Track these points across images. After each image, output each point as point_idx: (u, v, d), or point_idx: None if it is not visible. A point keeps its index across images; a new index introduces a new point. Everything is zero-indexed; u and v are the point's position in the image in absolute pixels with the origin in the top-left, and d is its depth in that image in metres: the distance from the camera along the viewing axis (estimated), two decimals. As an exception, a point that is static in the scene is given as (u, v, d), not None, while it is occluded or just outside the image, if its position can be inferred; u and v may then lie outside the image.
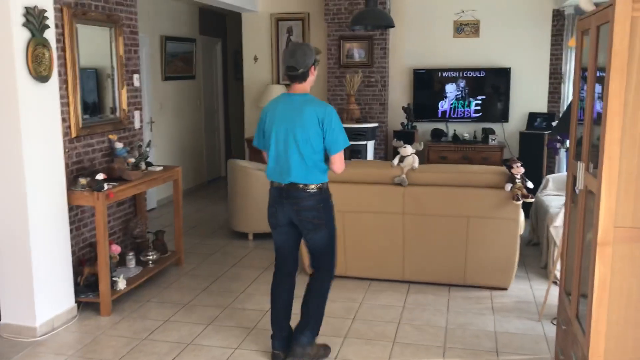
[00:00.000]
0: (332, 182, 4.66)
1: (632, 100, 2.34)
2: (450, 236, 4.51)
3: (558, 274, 4.44)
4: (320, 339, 3.78)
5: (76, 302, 4.18)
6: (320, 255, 3.44)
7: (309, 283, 3.52)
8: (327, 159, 3.31)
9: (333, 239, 3.43)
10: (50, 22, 3.85)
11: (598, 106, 2.71)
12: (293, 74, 3.25)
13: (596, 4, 2.88)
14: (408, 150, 4.58)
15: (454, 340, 3.77)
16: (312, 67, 3.27)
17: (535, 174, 6.31)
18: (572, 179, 3.11)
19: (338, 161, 3.29)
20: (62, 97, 4.19)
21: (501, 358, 3.53)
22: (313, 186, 3.28)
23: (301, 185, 3.27)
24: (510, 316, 4.12)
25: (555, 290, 4.32)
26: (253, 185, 5.77)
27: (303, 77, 3.26)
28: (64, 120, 4.23)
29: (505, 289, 4.58)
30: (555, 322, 3.91)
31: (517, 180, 4.33)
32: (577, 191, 2.99)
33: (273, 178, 3.36)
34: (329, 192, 3.40)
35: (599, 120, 2.58)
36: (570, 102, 3.55)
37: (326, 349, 3.57)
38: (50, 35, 3.86)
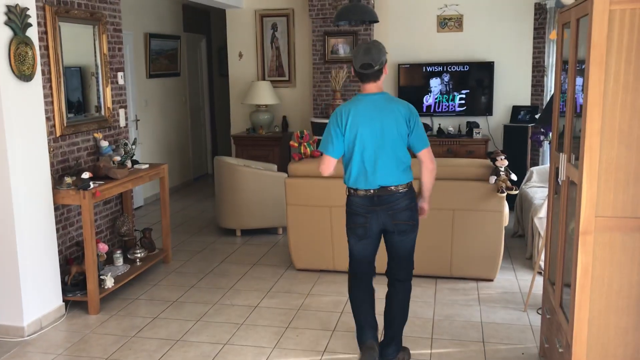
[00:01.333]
0: (321, 177, 4.70)
1: (611, 91, 2.39)
2: (436, 229, 4.55)
3: (542, 265, 4.50)
4: (309, 334, 3.82)
5: (64, 301, 4.17)
6: (406, 259, 3.31)
7: (393, 295, 3.36)
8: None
9: (415, 241, 3.33)
10: (33, 20, 3.83)
11: (579, 98, 2.75)
12: (369, 72, 3.10)
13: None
14: (393, 144, 4.60)
15: (441, 331, 3.81)
16: (385, 65, 3.17)
17: (520, 167, 6.38)
18: (555, 171, 3.16)
19: (428, 156, 3.21)
20: (46, 96, 4.17)
21: (488, 348, 3.58)
22: (403, 186, 3.16)
23: (392, 188, 3.14)
24: (496, 307, 4.17)
25: (540, 281, 4.37)
26: (240, 182, 5.78)
27: (378, 75, 3.14)
28: (48, 119, 4.21)
29: (491, 280, 4.63)
30: (540, 312, 3.97)
31: (502, 173, 4.39)
32: (559, 182, 3.04)
33: (358, 185, 3.17)
34: (414, 191, 3.28)
35: (580, 112, 2.62)
36: (552, 95, 3.60)
37: (406, 351, 3.47)
38: (32, 33, 3.84)
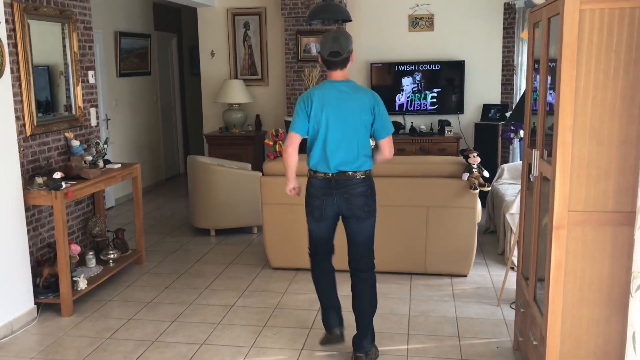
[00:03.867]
0: (296, 175, 4.70)
1: (582, 89, 2.45)
2: (411, 226, 4.60)
3: (515, 261, 4.59)
4: (287, 332, 3.82)
5: (35, 303, 4.09)
6: (363, 246, 3.38)
7: (357, 287, 3.42)
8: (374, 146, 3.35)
9: (374, 228, 3.40)
10: (0, 17, 3.75)
11: (550, 96, 2.81)
12: (336, 60, 3.20)
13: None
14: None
15: (417, 327, 3.85)
16: (352, 53, 3.26)
17: (491, 164, 6.48)
18: (527, 167, 3.22)
19: (388, 145, 3.31)
20: (15, 94, 4.09)
21: (463, 342, 3.63)
22: (361, 172, 3.26)
23: (350, 173, 3.23)
24: (471, 302, 4.23)
25: (512, 276, 4.45)
26: (214, 182, 5.74)
27: (344, 63, 3.24)
28: (17, 118, 4.13)
29: (464, 275, 4.70)
30: (513, 306, 4.05)
31: (474, 170, 4.45)
32: (531, 178, 3.11)
33: (318, 168, 3.28)
34: (373, 179, 3.37)
35: (552, 109, 2.68)
36: (524, 92, 3.67)
37: (376, 348, 3.51)
38: (0, 31, 3.76)
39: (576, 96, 2.45)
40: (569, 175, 2.51)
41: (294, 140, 3.29)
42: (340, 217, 3.38)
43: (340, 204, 3.28)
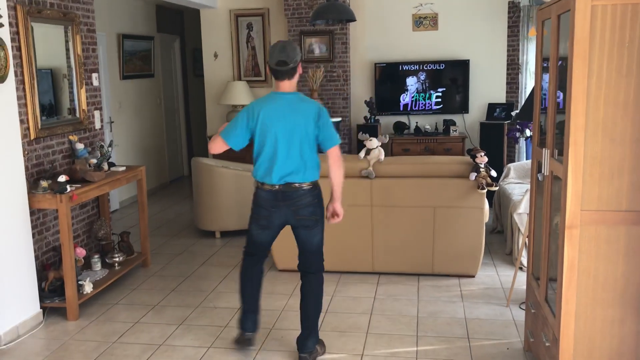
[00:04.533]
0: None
1: (595, 86, 2.41)
2: (418, 226, 4.56)
3: (523, 261, 4.55)
4: (294, 335, 3.78)
5: (41, 307, 4.06)
6: (314, 253, 3.41)
7: (306, 287, 3.45)
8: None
9: (323, 234, 3.43)
10: (4, 20, 3.73)
11: (560, 94, 2.78)
12: (283, 69, 3.19)
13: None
14: (374, 142, 4.61)
15: (426, 328, 3.82)
16: (300, 64, 3.26)
17: (496, 163, 6.43)
18: (537, 166, 3.18)
19: (335, 155, 3.29)
20: (19, 98, 4.07)
21: (473, 344, 3.59)
22: (308, 183, 3.27)
23: (297, 185, 3.24)
24: (479, 303, 4.20)
25: (521, 276, 4.42)
26: (219, 184, 5.72)
27: (292, 73, 3.23)
28: (22, 121, 4.10)
29: (472, 276, 4.66)
30: (523, 307, 4.01)
31: (482, 169, 4.41)
32: (539, 177, 3.07)
33: (265, 180, 3.26)
34: (321, 190, 3.38)
35: (562, 108, 2.64)
36: (532, 91, 3.63)
37: (323, 344, 3.55)
38: (4, 34, 3.74)
39: (588, 94, 2.41)
40: (581, 174, 2.47)
41: (220, 147, 3.31)
42: (290, 226, 3.39)
43: (288, 215, 3.30)
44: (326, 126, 3.24)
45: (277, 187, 3.24)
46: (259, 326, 3.59)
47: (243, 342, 3.54)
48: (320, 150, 3.32)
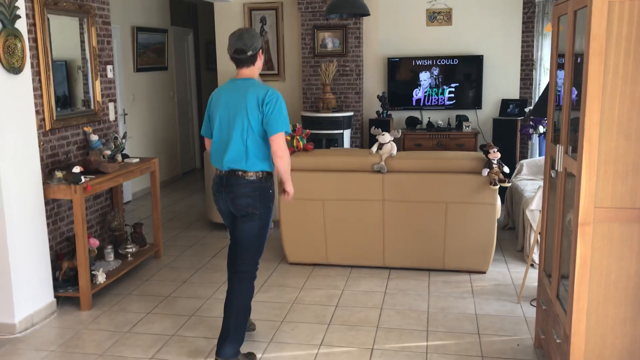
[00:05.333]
0: (313, 170, 4.69)
1: (611, 83, 2.40)
2: (429, 222, 4.56)
3: (535, 257, 4.54)
4: (304, 327, 3.80)
5: (55, 297, 4.11)
6: (243, 248, 3.26)
7: (229, 286, 3.32)
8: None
9: (262, 234, 3.27)
10: (21, 12, 3.76)
11: (575, 91, 2.76)
12: (241, 57, 3.17)
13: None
14: (386, 137, 4.61)
15: (436, 324, 3.82)
16: (260, 51, 3.24)
17: (509, 160, 6.42)
18: (550, 162, 3.17)
19: (276, 144, 3.13)
20: (35, 89, 4.11)
21: (483, 340, 3.59)
22: (252, 173, 3.17)
23: (240, 173, 3.18)
24: (490, 299, 4.19)
25: (532, 273, 4.41)
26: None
27: (251, 61, 3.20)
28: (37, 112, 4.15)
29: (483, 272, 4.66)
30: (534, 304, 4.00)
31: (494, 165, 4.40)
32: (552, 174, 3.06)
33: (215, 164, 3.29)
34: (270, 183, 3.27)
35: (577, 104, 2.63)
36: (547, 87, 3.61)
37: (252, 357, 3.37)
38: (21, 25, 3.77)
39: (604, 90, 2.40)
40: (595, 171, 2.46)
41: (206, 143, 3.41)
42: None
43: (228, 202, 3.24)
44: (273, 113, 3.11)
45: (223, 173, 3.23)
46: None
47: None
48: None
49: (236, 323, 3.26)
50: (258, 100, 3.13)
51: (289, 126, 3.22)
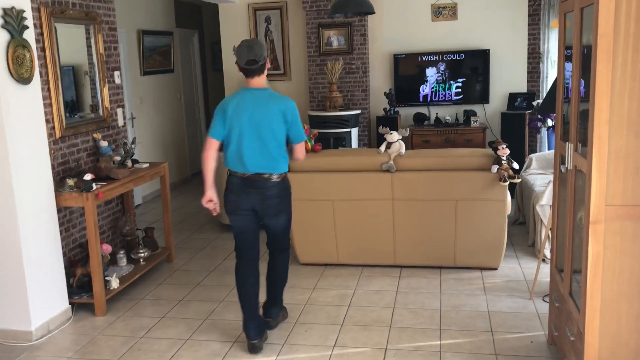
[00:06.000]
0: (322, 171, 4.71)
1: (619, 80, 2.39)
2: (440, 219, 4.56)
3: (546, 252, 4.53)
4: (318, 329, 3.83)
5: (70, 303, 4.15)
6: (282, 235, 3.71)
7: (272, 262, 3.79)
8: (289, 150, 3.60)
9: (290, 219, 3.72)
10: (29, 22, 3.78)
11: (582, 82, 2.76)
12: (253, 67, 3.40)
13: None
14: (394, 136, 4.61)
15: (449, 322, 3.83)
16: (267, 60, 3.47)
17: (518, 154, 6.40)
18: (560, 159, 3.16)
19: (300, 149, 3.58)
20: (44, 97, 4.14)
21: (496, 337, 3.60)
22: (277, 176, 3.49)
23: (267, 175, 3.45)
24: (502, 295, 4.19)
25: (544, 268, 4.40)
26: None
27: (261, 70, 3.44)
28: (47, 121, 4.18)
29: (495, 268, 4.65)
30: (546, 300, 4.00)
31: (503, 162, 4.39)
32: (562, 170, 3.05)
33: (235, 168, 3.49)
34: (288, 180, 3.63)
35: (585, 101, 2.62)
36: (554, 83, 3.60)
37: (285, 311, 3.96)
38: (29, 35, 3.80)
39: (612, 88, 2.39)
40: (605, 169, 2.45)
41: (211, 144, 3.50)
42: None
43: (255, 201, 3.50)
44: (295, 123, 3.47)
45: (247, 175, 3.46)
46: (264, 332, 3.61)
47: (252, 348, 3.54)
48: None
49: (281, 288, 3.84)
50: (281, 112, 3.42)
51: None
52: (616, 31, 2.36)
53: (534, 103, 6.86)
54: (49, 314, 3.94)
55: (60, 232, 4.24)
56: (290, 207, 3.68)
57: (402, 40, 7.38)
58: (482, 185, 4.45)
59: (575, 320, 2.78)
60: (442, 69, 7.22)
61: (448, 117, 7.23)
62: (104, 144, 4.71)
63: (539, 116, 6.39)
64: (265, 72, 3.48)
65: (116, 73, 5.12)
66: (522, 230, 5.62)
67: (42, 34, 4.13)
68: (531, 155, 5.98)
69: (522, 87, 7.20)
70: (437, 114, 7.33)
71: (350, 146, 7.00)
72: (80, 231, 4.55)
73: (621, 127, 2.42)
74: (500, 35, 7.15)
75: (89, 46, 4.77)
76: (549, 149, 6.54)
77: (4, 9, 3.57)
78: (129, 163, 4.74)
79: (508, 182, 4.37)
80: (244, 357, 3.51)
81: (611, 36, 2.36)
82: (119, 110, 5.15)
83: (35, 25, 4.04)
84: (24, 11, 3.73)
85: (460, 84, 7.22)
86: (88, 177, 4.09)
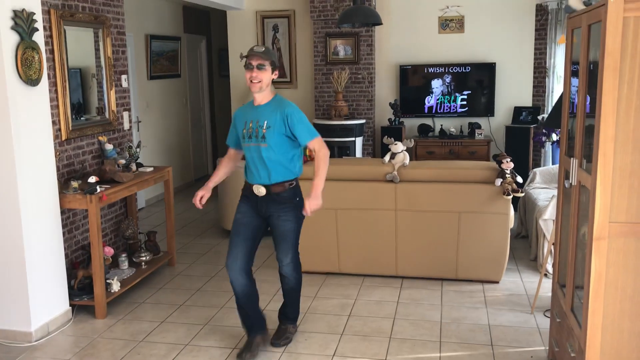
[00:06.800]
0: (326, 179, 4.69)
1: (625, 98, 2.40)
2: (442, 231, 4.56)
3: (549, 267, 4.52)
4: (318, 337, 3.82)
5: (70, 305, 4.16)
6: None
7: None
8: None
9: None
10: (39, 24, 3.81)
11: (588, 98, 2.76)
12: None
13: (585, 3, 2.94)
14: (399, 147, 4.62)
15: (449, 334, 3.82)
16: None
17: (522, 168, 6.40)
18: (564, 174, 3.17)
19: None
20: (51, 99, 4.16)
21: (496, 351, 3.59)
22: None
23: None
24: (503, 309, 4.18)
25: (546, 283, 4.39)
26: (243, 183, 5.75)
27: None
28: (54, 123, 4.20)
29: (496, 282, 4.65)
30: (548, 314, 3.99)
31: (507, 175, 4.40)
32: (566, 185, 3.05)
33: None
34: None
35: (591, 116, 2.63)
36: (560, 98, 3.61)
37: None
38: (39, 38, 3.82)
39: (618, 105, 2.40)
40: (610, 186, 2.45)
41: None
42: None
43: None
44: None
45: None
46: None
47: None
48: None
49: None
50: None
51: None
52: (623, 48, 2.37)
53: (539, 117, 6.86)
54: (49, 315, 3.94)
55: (63, 233, 4.25)
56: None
57: (408, 51, 7.41)
58: (485, 198, 4.45)
59: (577, 337, 2.77)
60: (448, 81, 7.24)
61: (453, 129, 7.24)
62: (109, 146, 4.72)
63: (544, 130, 6.40)
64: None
65: (123, 77, 5.14)
66: (524, 244, 5.61)
67: (51, 36, 4.16)
68: (535, 170, 5.98)
69: (527, 101, 7.21)
70: (442, 125, 7.34)
71: (355, 155, 7.01)
72: (82, 233, 4.56)
73: (626, 144, 2.43)
74: (506, 49, 7.17)
75: (97, 49, 4.80)
76: (553, 163, 6.54)
77: (15, 11, 3.60)
78: (134, 166, 4.76)
79: (511, 196, 4.37)
80: (243, 364, 3.51)
81: (618, 53, 2.37)
82: (125, 114, 5.17)
83: (45, 27, 4.07)
84: (34, 13, 3.75)
85: (465, 97, 7.24)
86: (92, 179, 4.10)
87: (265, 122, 3.39)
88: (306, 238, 4.81)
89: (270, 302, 4.37)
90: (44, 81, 3.90)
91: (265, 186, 3.44)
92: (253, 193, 3.49)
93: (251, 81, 3.36)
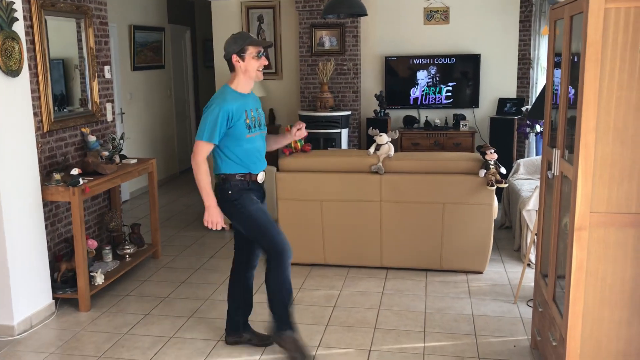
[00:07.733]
0: (311, 171, 4.71)
1: (606, 89, 2.42)
2: (427, 222, 4.58)
3: (532, 257, 4.56)
4: (303, 329, 3.82)
5: (54, 298, 4.13)
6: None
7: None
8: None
9: (247, 225, 3.43)
10: (19, 14, 3.76)
11: (572, 89, 2.78)
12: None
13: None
14: (384, 138, 4.62)
15: (433, 324, 3.85)
16: (233, 56, 3.24)
17: (506, 159, 6.44)
18: (547, 165, 3.19)
19: (194, 148, 3.36)
20: (32, 91, 4.10)
21: (480, 341, 3.62)
22: (216, 176, 3.43)
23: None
24: (487, 299, 4.22)
25: (529, 273, 4.43)
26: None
27: (230, 67, 3.31)
28: (35, 114, 4.14)
29: (480, 272, 4.68)
30: (530, 304, 4.03)
31: (491, 166, 4.42)
32: (549, 176, 3.08)
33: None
34: (227, 184, 3.35)
35: (573, 108, 2.65)
36: (543, 90, 3.63)
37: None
38: (19, 28, 3.77)
39: (600, 96, 2.42)
40: (591, 176, 2.48)
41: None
42: None
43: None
44: (203, 118, 3.25)
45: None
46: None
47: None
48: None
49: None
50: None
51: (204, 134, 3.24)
52: (605, 40, 2.38)
53: (523, 109, 6.90)
54: (32, 308, 3.91)
55: (46, 226, 4.21)
56: (238, 212, 3.33)
57: (393, 42, 7.40)
58: (469, 189, 4.47)
59: (558, 326, 2.81)
60: (433, 73, 7.25)
61: (437, 121, 7.26)
62: (92, 138, 4.68)
63: (528, 122, 6.44)
64: (238, 69, 3.26)
65: (106, 68, 5.09)
66: (508, 234, 5.66)
67: (31, 26, 4.10)
68: (519, 161, 6.02)
69: (511, 92, 7.25)
70: (427, 117, 7.36)
71: (340, 147, 7.01)
72: (65, 226, 4.52)
73: (607, 134, 2.45)
74: (491, 40, 7.19)
75: (79, 40, 4.74)
76: (537, 154, 6.59)
77: (-6, 0, 3.54)
78: (117, 158, 4.72)
79: (495, 187, 4.40)
80: (227, 355, 3.50)
81: (600, 45, 2.38)
82: (108, 105, 5.12)
83: (25, 17, 4.01)
84: (14, 3, 3.70)
85: (450, 88, 7.25)
86: (75, 171, 4.06)
87: (258, 109, 3.41)
88: (291, 229, 4.81)
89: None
90: (25, 72, 3.85)
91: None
92: (257, 182, 3.38)
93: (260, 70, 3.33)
